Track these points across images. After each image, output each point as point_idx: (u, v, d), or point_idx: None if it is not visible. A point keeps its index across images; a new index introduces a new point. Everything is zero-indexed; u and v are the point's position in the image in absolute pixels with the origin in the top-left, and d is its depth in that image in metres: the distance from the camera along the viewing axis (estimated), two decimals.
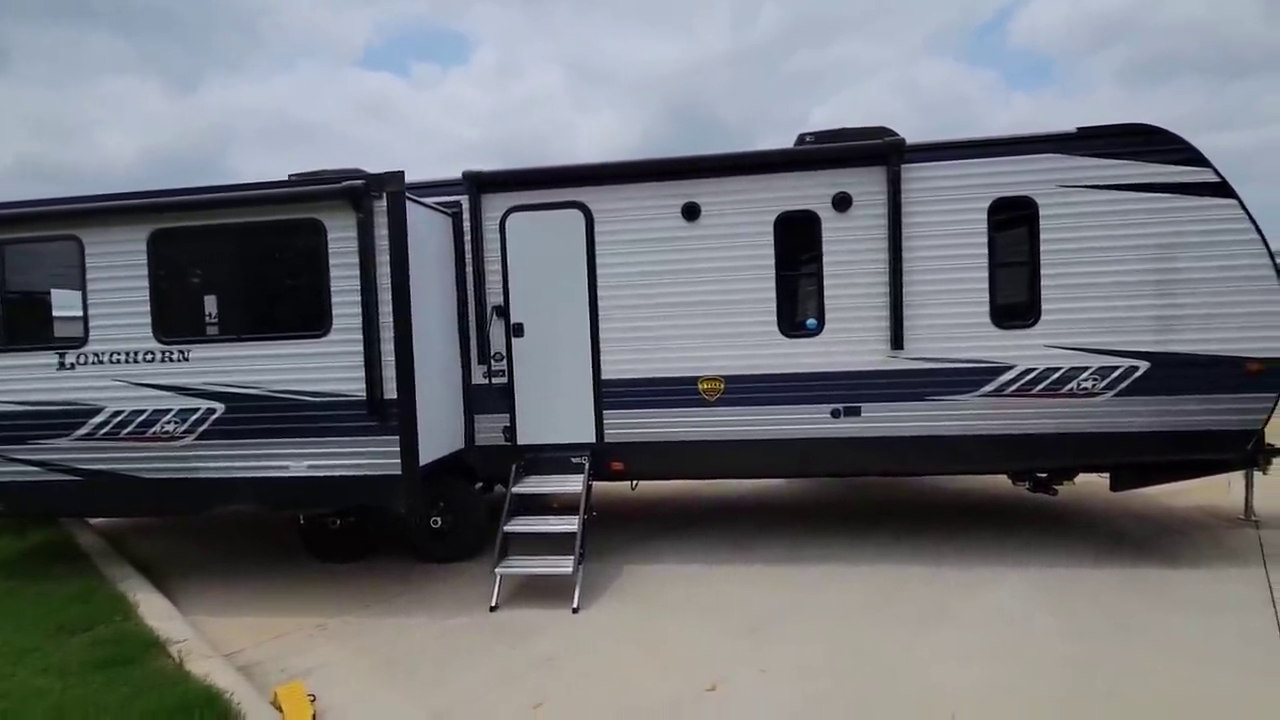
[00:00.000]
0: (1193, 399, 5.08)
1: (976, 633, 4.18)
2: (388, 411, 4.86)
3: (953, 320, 5.30)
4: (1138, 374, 5.10)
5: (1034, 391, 5.21)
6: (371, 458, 4.91)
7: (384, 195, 4.79)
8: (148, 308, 5.17)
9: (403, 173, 4.86)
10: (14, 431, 5.30)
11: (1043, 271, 5.18)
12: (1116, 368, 5.12)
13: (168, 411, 5.13)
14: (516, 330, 5.75)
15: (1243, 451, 5.13)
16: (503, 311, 5.75)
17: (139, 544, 6.54)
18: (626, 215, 5.60)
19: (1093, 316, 5.14)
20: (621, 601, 4.87)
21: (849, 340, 5.42)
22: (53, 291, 5.99)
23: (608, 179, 5.64)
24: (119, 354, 5.19)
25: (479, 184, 5.71)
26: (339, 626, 4.66)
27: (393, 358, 4.83)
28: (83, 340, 5.25)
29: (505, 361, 5.77)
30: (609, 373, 5.65)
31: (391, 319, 4.82)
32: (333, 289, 4.92)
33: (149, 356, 5.17)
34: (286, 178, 5.57)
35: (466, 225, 5.72)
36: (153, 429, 5.15)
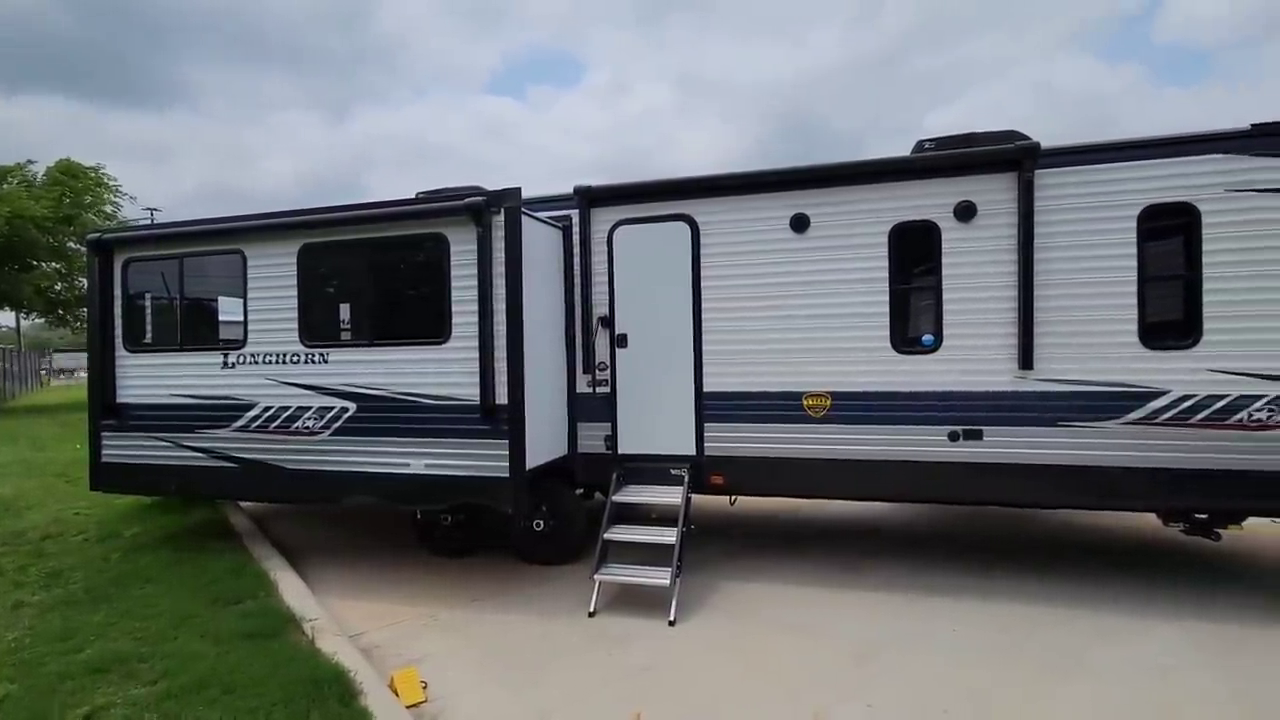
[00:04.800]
0: None
1: (1118, 688, 3.75)
2: (499, 416, 5.09)
3: (1093, 339, 4.82)
4: None
5: (1193, 421, 4.63)
6: (482, 459, 5.16)
7: (501, 210, 5.06)
8: (295, 314, 5.75)
9: (519, 189, 5.11)
10: (186, 422, 6.06)
11: (1206, 286, 4.61)
12: None
13: (308, 408, 5.67)
14: (620, 341, 5.85)
15: None
16: (608, 322, 5.88)
17: (278, 527, 7.23)
18: (732, 227, 5.56)
19: (1269, 338, 4.51)
20: (719, 617, 4.79)
21: (970, 358, 5.07)
22: (219, 299, 6.79)
23: (714, 191, 5.63)
24: (271, 355, 5.81)
25: (589, 198, 5.88)
26: (449, 618, 4.91)
27: (505, 365, 5.07)
28: (242, 342, 5.91)
29: (609, 371, 5.88)
30: (711, 385, 5.61)
31: (505, 328, 5.06)
32: (453, 299, 5.25)
33: (295, 358, 5.74)
34: (415, 196, 6.01)
35: (576, 238, 5.91)
36: (296, 424, 5.70)
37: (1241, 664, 3.95)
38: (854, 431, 5.29)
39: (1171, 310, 4.82)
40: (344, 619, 4.82)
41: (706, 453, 5.63)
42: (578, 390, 5.95)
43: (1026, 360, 4.90)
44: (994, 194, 5.00)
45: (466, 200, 5.12)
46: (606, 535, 5.27)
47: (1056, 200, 4.87)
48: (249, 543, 6.45)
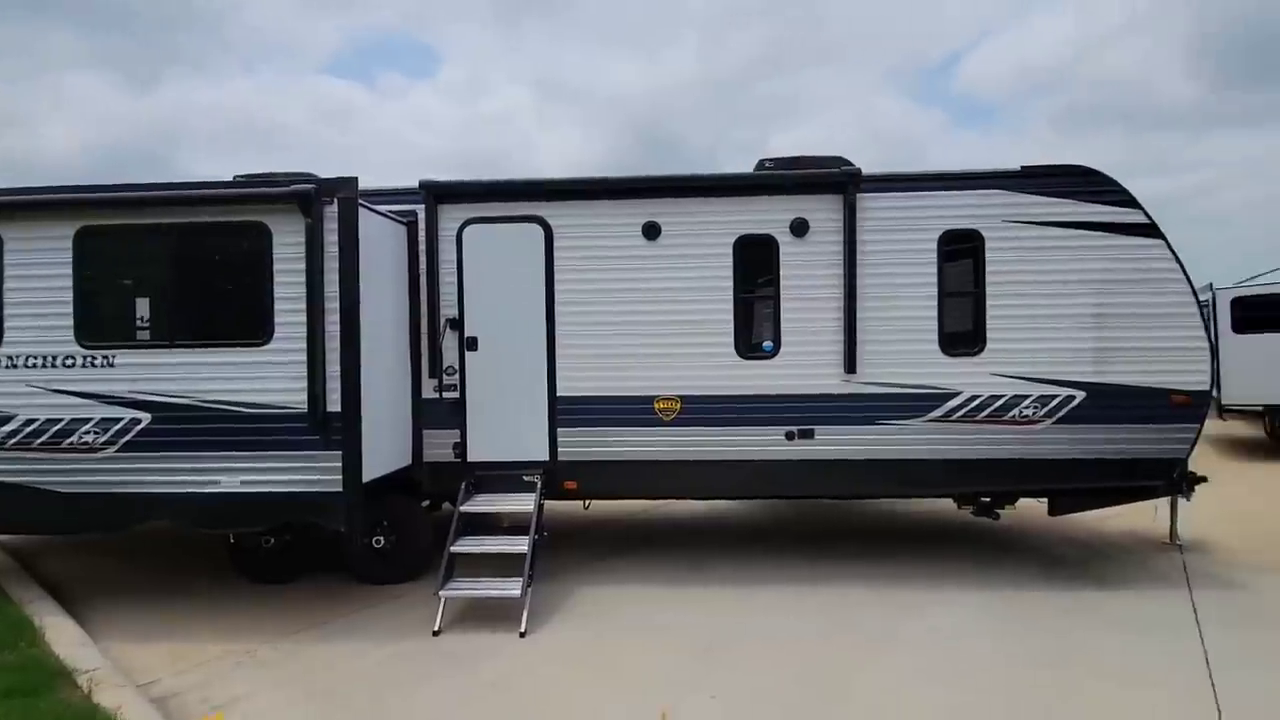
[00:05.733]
0: (1124, 428, 5.31)
1: (924, 656, 4.23)
2: (330, 425, 4.65)
3: (903, 346, 5.43)
4: (1074, 403, 5.31)
5: (979, 418, 5.37)
6: (311, 474, 4.69)
7: (335, 201, 4.64)
8: (70, 309, 4.84)
9: (355, 179, 4.72)
10: None
11: (988, 302, 5.37)
12: (1055, 396, 5.33)
13: (87, 421, 4.79)
14: (470, 344, 5.62)
15: (1168, 479, 5.40)
16: (456, 324, 5.61)
17: (51, 563, 6.05)
18: (586, 232, 5.56)
19: (1033, 347, 5.35)
20: (571, 624, 4.75)
21: (804, 364, 5.48)
22: None
23: (569, 195, 5.60)
24: (35, 358, 4.83)
25: (436, 194, 5.59)
26: (269, 653, 4.39)
27: (338, 369, 4.64)
28: None
29: (457, 376, 5.62)
30: (564, 390, 5.56)
31: (339, 329, 4.64)
32: (276, 296, 4.72)
33: (69, 361, 4.83)
34: (232, 179, 5.34)
35: (422, 235, 5.58)
36: (69, 439, 4.80)
37: (1017, 625, 4.63)
38: (702, 433, 5.51)
39: (964, 322, 5.57)
40: (135, 665, 4.14)
41: (560, 458, 5.57)
42: (424, 396, 5.61)
43: (851, 365, 5.40)
44: (824, 213, 5.46)
45: (293, 187, 4.63)
46: (453, 548, 5.02)
47: (874, 222, 5.42)
48: (6, 584, 5.32)
